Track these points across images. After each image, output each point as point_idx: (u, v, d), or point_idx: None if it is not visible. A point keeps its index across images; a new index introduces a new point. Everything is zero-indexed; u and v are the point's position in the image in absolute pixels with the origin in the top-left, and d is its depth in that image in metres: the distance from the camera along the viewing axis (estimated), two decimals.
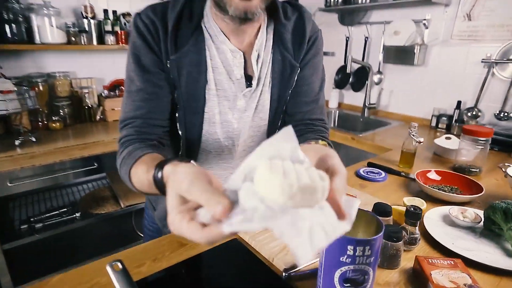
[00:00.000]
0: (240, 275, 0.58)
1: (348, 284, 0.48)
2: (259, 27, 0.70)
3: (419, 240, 0.67)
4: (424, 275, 0.56)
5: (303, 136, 0.72)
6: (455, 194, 0.86)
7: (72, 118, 1.82)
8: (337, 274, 0.48)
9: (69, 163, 1.41)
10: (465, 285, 0.53)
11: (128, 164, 0.55)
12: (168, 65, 0.64)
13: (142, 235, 1.14)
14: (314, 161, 0.37)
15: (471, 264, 0.60)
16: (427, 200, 0.84)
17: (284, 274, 0.57)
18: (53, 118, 1.69)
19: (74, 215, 1.61)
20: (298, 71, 0.73)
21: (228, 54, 0.67)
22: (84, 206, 1.70)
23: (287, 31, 0.71)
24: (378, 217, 0.52)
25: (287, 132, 0.33)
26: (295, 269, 0.59)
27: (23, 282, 1.39)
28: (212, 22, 0.66)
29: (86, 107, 1.86)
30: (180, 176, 0.33)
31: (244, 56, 0.69)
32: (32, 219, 1.53)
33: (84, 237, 1.64)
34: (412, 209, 0.66)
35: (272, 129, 0.78)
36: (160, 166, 0.43)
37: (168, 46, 0.63)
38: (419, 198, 0.83)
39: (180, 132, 0.71)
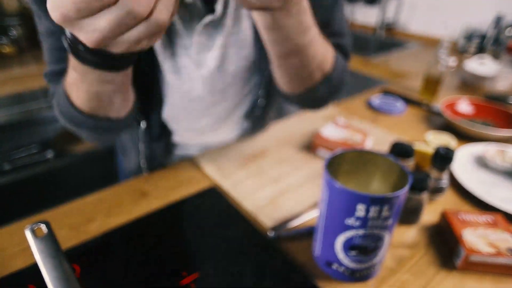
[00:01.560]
0: (215, 233, 0.45)
1: (355, 251, 0.36)
2: None
3: (446, 188, 0.52)
4: (453, 236, 0.43)
5: None
6: (497, 129, 0.67)
7: (28, 42, 1.55)
8: (341, 239, 0.36)
9: (29, 95, 1.22)
10: (509, 250, 0.40)
11: (63, 99, 0.41)
12: None
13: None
14: None
15: (511, 219, 0.47)
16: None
17: (271, 233, 0.45)
18: (1, 41, 1.43)
19: (46, 155, 1.44)
20: None
21: None
22: (59, 143, 1.54)
23: None
24: (403, 165, 0.36)
25: None
26: (286, 228, 0.46)
27: None
28: None
29: None
30: None
31: None
32: None
33: (58, 180, 1.46)
34: (443, 151, 0.50)
35: (260, 59, 0.53)
36: None
37: None
38: (447, 134, 0.66)
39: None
